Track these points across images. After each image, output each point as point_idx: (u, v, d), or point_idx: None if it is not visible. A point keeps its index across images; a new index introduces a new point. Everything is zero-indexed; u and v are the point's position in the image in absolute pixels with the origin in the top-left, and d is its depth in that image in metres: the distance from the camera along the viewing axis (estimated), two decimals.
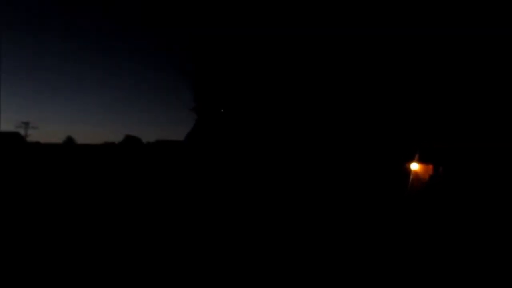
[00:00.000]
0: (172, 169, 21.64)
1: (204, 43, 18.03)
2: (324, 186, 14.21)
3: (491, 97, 13.53)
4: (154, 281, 5.40)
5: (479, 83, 13.73)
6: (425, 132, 14.69)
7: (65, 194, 13.05)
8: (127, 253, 6.60)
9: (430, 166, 15.06)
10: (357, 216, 10.12)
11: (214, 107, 18.15)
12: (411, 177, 14.70)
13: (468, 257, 6.60)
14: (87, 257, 6.30)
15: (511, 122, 12.99)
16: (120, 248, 6.84)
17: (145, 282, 5.35)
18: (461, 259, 6.49)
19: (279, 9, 16.01)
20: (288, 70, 16.25)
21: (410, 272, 5.90)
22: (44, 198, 12.24)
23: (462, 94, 14.00)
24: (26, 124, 52.97)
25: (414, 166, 15.19)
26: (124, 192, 13.81)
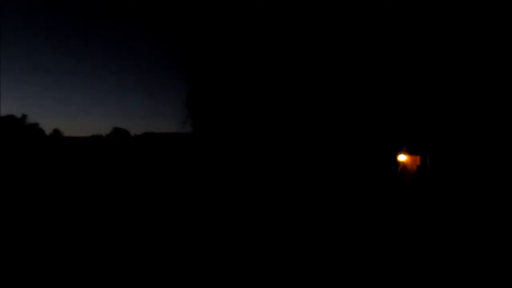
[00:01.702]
0: (161, 162, 21.48)
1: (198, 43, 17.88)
2: (315, 179, 14.24)
3: (476, 91, 13.67)
4: (140, 274, 5.36)
5: (464, 77, 13.85)
6: (412, 124, 14.80)
7: (51, 187, 12.86)
8: (112, 245, 6.53)
9: (418, 157, 15.26)
10: (348, 207, 10.18)
11: (208, 104, 18.02)
12: (399, 168, 14.84)
13: (456, 244, 6.70)
14: (72, 248, 6.22)
15: (496, 116, 13.17)
16: (106, 241, 6.76)
17: (131, 275, 5.30)
18: (449, 246, 6.58)
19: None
20: (277, 65, 16.19)
21: (400, 257, 5.97)
22: (30, 190, 12.05)
23: (448, 88, 14.11)
24: (10, 117, 51.78)
25: (402, 158, 15.37)
26: (112, 185, 13.68)
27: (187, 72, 18.56)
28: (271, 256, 6.22)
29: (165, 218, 8.80)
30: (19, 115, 49.77)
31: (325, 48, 15.43)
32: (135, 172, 18.11)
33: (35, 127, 45.66)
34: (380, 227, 8.14)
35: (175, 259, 6.01)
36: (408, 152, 15.02)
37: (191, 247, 6.62)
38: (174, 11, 19.27)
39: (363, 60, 14.91)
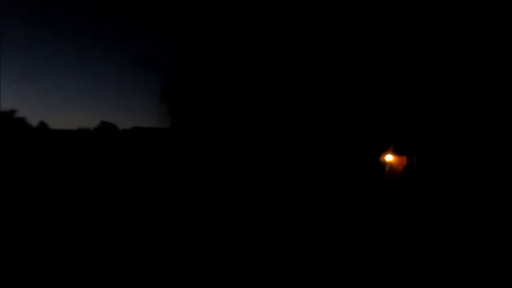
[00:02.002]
0: (149, 157, 21.31)
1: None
2: (300, 176, 14.31)
3: (462, 92, 13.88)
4: (125, 271, 5.34)
5: (449, 80, 14.07)
6: (399, 124, 14.96)
7: (37, 180, 12.70)
8: (99, 240, 6.49)
9: (404, 158, 15.43)
10: (334, 207, 10.27)
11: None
12: (386, 168, 14.98)
13: (441, 243, 6.81)
14: (56, 243, 6.16)
15: (482, 117, 13.40)
16: (93, 236, 6.72)
17: (117, 272, 5.28)
18: (434, 246, 6.70)
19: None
20: (264, 67, 16.19)
21: (386, 256, 6.05)
22: (14, 183, 11.88)
23: (434, 89, 14.30)
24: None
25: (389, 158, 15.53)
26: (99, 179, 13.56)
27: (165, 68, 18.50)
28: (249, 254, 6.26)
29: (154, 214, 8.77)
30: (7, 109, 48.73)
31: (308, 51, 15.50)
32: (122, 166, 17.96)
33: (22, 121, 44.81)
34: (366, 227, 8.24)
35: (163, 255, 6.00)
36: (395, 152, 15.18)
37: (179, 243, 6.62)
38: (158, 8, 19.16)
39: (350, 64, 15.05)
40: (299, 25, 15.45)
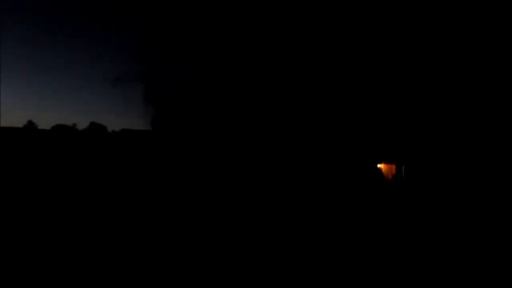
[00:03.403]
0: (139, 159, 21.12)
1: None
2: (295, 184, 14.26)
3: (452, 101, 14.06)
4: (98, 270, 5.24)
5: (437, 91, 14.26)
6: (388, 133, 15.08)
7: (23, 179, 12.47)
8: (85, 240, 6.37)
9: (393, 166, 15.55)
10: (328, 214, 10.24)
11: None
12: (379, 175, 15.03)
13: (428, 249, 6.84)
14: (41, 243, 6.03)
15: (474, 127, 13.59)
16: (81, 237, 6.59)
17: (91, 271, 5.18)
18: (421, 251, 6.71)
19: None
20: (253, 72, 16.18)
21: (373, 260, 6.06)
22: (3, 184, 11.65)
23: (425, 99, 14.45)
24: None
25: (378, 166, 15.64)
26: (86, 180, 13.37)
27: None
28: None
29: (142, 215, 8.64)
30: None
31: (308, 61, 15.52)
32: (110, 167, 17.77)
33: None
34: (358, 232, 8.22)
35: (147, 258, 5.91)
36: (384, 160, 15.30)
37: (165, 245, 6.53)
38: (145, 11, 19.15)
39: (344, 78, 15.17)
40: (293, 31, 15.49)
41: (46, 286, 4.87)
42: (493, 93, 13.39)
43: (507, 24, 12.98)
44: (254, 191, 12.80)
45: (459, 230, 8.63)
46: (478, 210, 10.64)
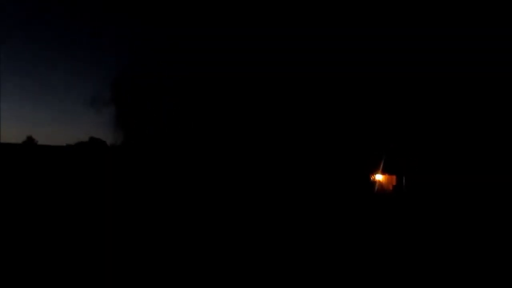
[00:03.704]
0: (140, 172, 21.10)
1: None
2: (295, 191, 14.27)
3: (452, 113, 14.16)
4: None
5: (442, 100, 14.35)
6: (388, 144, 15.14)
7: (22, 195, 12.47)
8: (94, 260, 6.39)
9: (394, 177, 15.59)
10: (326, 226, 10.24)
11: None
12: (376, 187, 15.06)
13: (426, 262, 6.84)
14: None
15: (475, 138, 13.68)
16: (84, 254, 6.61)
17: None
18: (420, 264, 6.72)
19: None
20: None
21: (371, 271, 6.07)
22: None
23: (426, 110, 14.56)
24: None
25: (379, 177, 15.67)
26: (86, 195, 13.35)
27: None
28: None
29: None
30: None
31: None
32: (108, 181, 17.74)
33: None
34: (355, 243, 8.22)
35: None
36: (384, 171, 15.34)
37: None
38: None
39: (343, 88, 15.28)
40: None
41: None
42: (496, 101, 13.50)
43: None
44: (247, 196, 12.82)
45: (461, 242, 8.62)
46: (479, 220, 10.64)
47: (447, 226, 10.15)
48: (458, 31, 13.77)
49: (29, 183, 16.20)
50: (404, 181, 14.74)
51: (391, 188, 15.06)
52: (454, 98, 14.10)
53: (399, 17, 14.40)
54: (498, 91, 13.63)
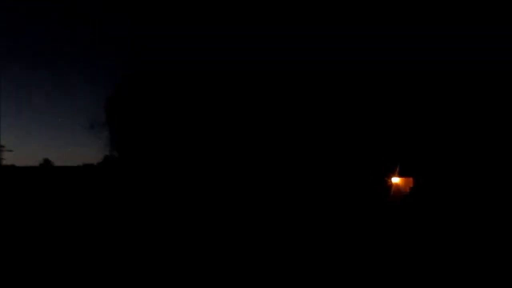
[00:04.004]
0: (156, 190, 21.20)
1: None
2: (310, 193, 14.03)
3: (471, 112, 13.86)
4: None
5: (459, 101, 14.07)
6: (405, 146, 14.89)
7: (40, 217, 12.61)
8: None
9: (411, 179, 15.26)
10: (340, 230, 10.06)
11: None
12: (392, 190, 14.78)
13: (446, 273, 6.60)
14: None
15: (493, 137, 13.35)
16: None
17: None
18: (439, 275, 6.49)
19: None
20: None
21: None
22: (18, 221, 11.79)
23: (442, 111, 14.30)
24: (0, 147, 51.71)
25: (395, 180, 15.38)
26: (102, 214, 13.43)
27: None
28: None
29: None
30: (5, 146, 49.73)
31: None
32: (128, 200, 17.84)
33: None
34: (369, 250, 8.02)
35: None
36: (401, 174, 15.05)
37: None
38: None
39: (355, 86, 15.03)
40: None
41: None
42: None
43: None
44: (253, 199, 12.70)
45: (485, 245, 8.32)
46: (505, 222, 10.28)
47: (470, 228, 9.85)
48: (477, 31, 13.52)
49: (50, 198, 16.47)
50: (422, 183, 14.44)
51: (408, 190, 14.75)
52: (473, 98, 13.81)
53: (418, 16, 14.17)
54: None
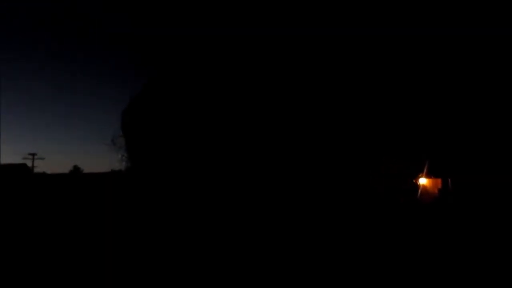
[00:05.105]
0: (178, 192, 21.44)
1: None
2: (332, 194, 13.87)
3: (498, 113, 13.44)
4: None
5: (494, 98, 13.65)
6: (433, 147, 14.54)
7: (70, 221, 12.96)
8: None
9: (439, 180, 14.90)
10: (364, 231, 9.88)
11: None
12: (419, 191, 14.46)
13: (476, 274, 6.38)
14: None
15: None
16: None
17: None
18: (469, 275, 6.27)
19: None
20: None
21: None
22: (49, 225, 12.15)
23: (472, 111, 13.89)
24: (33, 155, 53.82)
25: (423, 181, 15.04)
26: (131, 219, 13.66)
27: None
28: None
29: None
30: (37, 154, 51.78)
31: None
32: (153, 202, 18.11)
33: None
34: (397, 252, 7.83)
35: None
36: (429, 174, 14.72)
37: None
38: None
39: (387, 80, 14.74)
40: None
41: None
42: None
43: None
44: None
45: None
46: None
47: (502, 228, 9.50)
48: None
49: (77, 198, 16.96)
50: (450, 183, 14.09)
51: (436, 191, 14.42)
52: (501, 96, 13.38)
53: None
54: None
